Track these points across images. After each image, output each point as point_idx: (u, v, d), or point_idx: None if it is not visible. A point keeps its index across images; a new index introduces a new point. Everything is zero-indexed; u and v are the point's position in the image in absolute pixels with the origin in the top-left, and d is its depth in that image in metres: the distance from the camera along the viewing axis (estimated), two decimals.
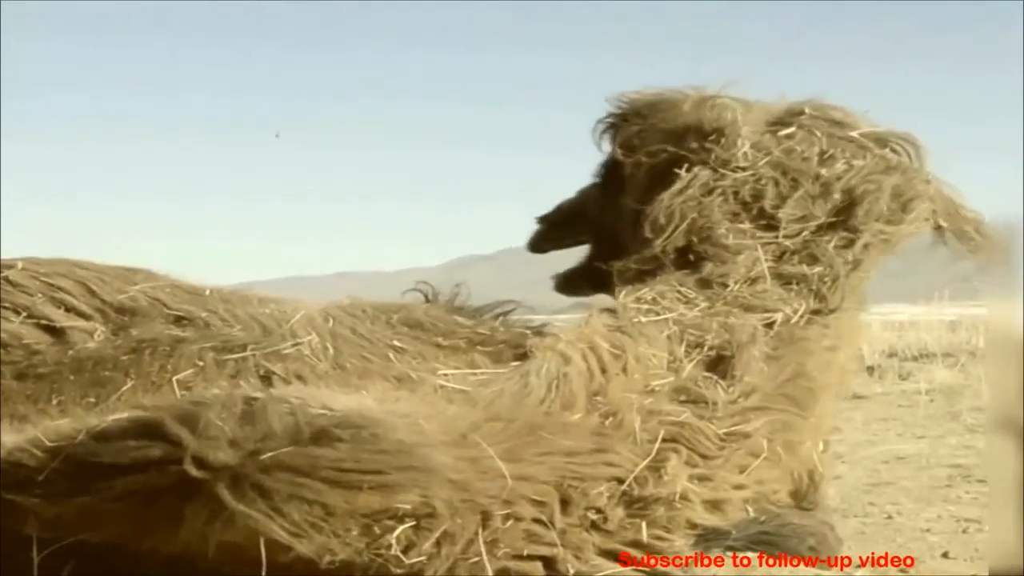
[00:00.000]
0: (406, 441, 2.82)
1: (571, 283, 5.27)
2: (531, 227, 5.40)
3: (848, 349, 4.21)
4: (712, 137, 4.49)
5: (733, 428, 3.63)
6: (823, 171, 4.35)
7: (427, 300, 4.36)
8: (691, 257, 4.23)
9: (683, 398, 3.61)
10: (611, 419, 3.40)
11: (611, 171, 4.92)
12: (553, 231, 5.34)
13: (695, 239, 4.25)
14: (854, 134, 4.51)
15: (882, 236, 4.26)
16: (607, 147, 4.94)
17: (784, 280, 4.10)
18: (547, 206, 5.31)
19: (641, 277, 4.22)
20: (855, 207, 4.25)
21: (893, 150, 4.49)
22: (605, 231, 4.95)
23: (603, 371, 3.52)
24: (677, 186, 4.38)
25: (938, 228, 4.45)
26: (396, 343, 3.87)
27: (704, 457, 3.55)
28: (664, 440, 3.45)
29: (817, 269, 4.11)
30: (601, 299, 4.07)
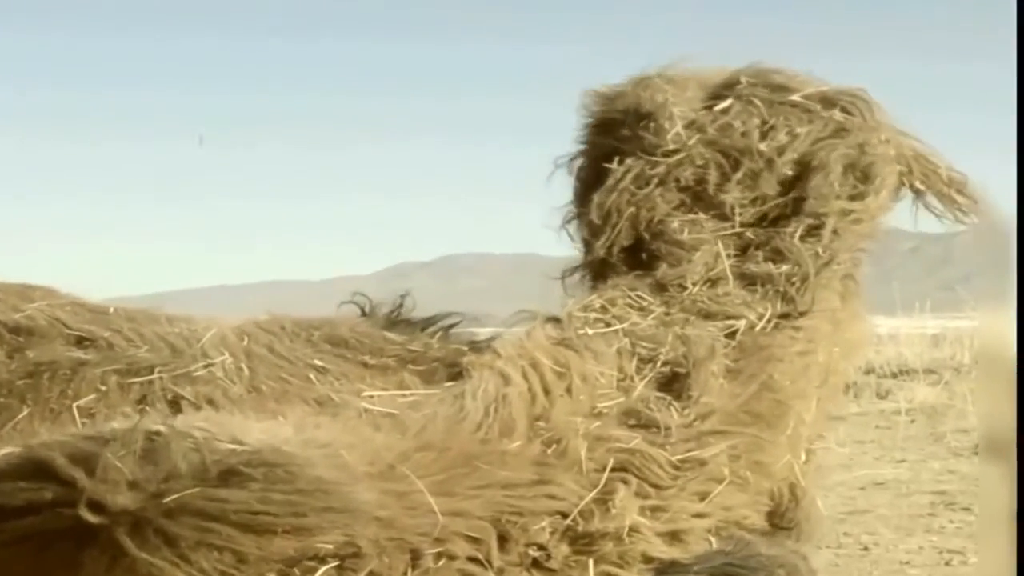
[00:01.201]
0: (325, 478, 2.78)
1: None
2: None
3: (833, 348, 4.15)
4: (643, 123, 4.38)
5: (688, 454, 3.58)
6: (763, 145, 4.26)
7: (364, 313, 4.30)
8: (643, 256, 4.18)
9: (633, 422, 3.57)
10: (554, 447, 3.37)
11: None
12: None
13: (647, 236, 4.20)
14: (796, 98, 4.39)
15: (850, 217, 4.17)
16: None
17: (748, 281, 4.04)
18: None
19: (593, 283, 4.21)
20: (805, 181, 4.17)
21: (845, 109, 4.35)
22: None
23: (546, 392, 3.49)
24: (610, 181, 4.31)
25: (917, 193, 4.37)
26: (318, 362, 3.82)
27: (656, 487, 3.50)
28: (612, 469, 3.42)
29: (784, 267, 4.03)
30: (546, 308, 3.98)
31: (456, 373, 3.65)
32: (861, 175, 4.21)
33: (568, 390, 3.53)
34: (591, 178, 4.50)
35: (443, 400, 3.36)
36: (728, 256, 4.09)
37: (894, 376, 11.30)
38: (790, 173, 4.21)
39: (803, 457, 4.01)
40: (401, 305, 4.28)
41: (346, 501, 2.81)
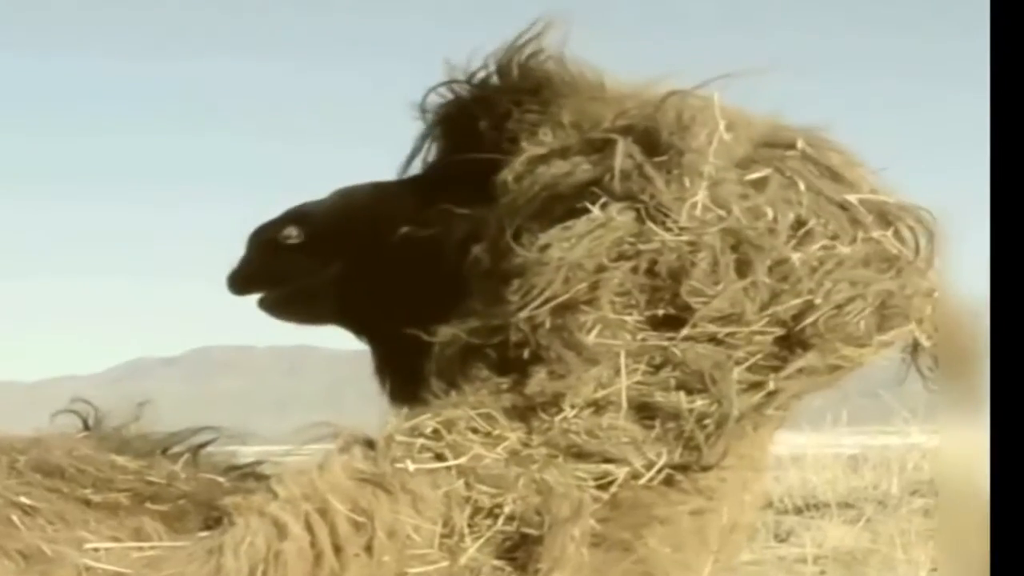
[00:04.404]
0: None
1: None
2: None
3: (745, 497, 4.03)
4: (661, 159, 3.94)
5: None
6: (794, 255, 3.82)
7: (87, 427, 4.20)
8: (524, 355, 3.85)
9: None
10: None
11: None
12: None
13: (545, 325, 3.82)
14: (851, 199, 3.97)
15: (835, 359, 3.85)
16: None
17: (646, 413, 3.74)
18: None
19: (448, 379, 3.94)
20: (814, 315, 3.78)
21: (899, 236, 3.99)
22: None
23: (337, 550, 3.43)
24: (581, 228, 3.87)
25: (916, 347, 4.04)
26: (23, 500, 3.70)
27: None
28: None
29: (699, 402, 3.71)
30: (355, 422, 3.77)
31: (214, 517, 3.57)
32: (877, 322, 3.89)
33: (367, 548, 3.46)
34: (541, 205, 4.10)
35: (193, 556, 3.33)
36: (635, 371, 3.78)
37: (798, 512, 11.37)
38: (797, 303, 3.81)
39: None
40: (139, 417, 4.20)
41: None
